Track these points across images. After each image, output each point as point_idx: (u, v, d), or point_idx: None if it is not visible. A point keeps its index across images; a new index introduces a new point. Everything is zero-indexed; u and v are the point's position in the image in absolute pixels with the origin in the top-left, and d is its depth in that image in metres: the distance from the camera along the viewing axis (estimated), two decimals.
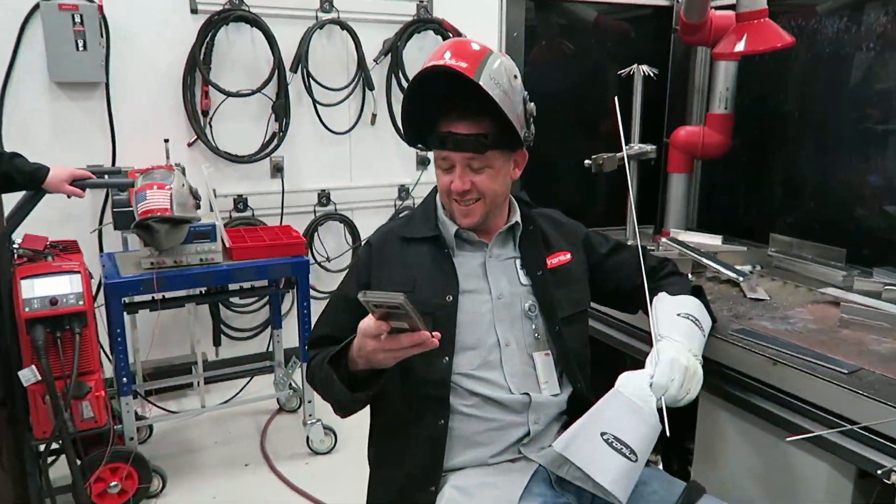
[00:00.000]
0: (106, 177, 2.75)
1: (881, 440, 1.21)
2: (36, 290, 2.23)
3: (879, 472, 1.18)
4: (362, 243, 1.57)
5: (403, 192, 4.04)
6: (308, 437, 2.95)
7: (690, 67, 2.59)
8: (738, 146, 2.36)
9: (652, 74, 2.18)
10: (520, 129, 1.37)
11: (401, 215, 1.63)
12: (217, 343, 3.65)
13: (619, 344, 1.86)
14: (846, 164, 2.16)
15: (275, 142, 3.60)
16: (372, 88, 3.79)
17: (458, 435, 1.39)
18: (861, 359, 1.39)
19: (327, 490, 2.69)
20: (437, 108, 1.39)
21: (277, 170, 3.67)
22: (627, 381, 1.30)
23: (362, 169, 3.93)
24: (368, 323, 1.19)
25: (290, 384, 3.21)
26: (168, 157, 3.08)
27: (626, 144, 2.15)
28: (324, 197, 3.82)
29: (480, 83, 1.30)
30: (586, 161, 2.15)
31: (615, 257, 1.63)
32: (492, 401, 1.39)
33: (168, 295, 2.74)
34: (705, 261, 2.00)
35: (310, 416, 2.93)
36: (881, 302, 1.65)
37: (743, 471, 1.55)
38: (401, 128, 1.48)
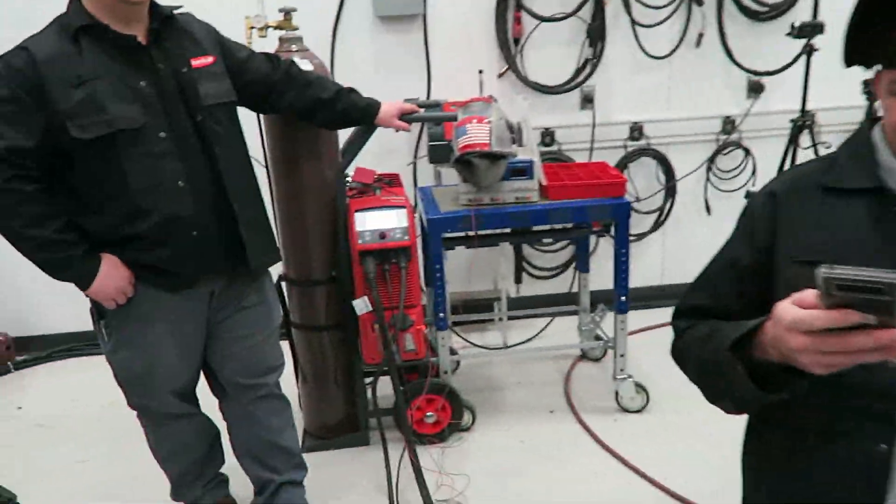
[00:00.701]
0: (424, 111, 2.74)
1: None
2: (367, 223, 2.30)
3: None
4: (758, 193, 1.21)
5: (728, 124, 3.50)
6: (617, 393, 2.73)
7: None
8: None
9: None
10: None
11: (814, 159, 1.21)
12: (518, 280, 3.59)
13: None
14: None
15: (587, 69, 3.32)
16: (700, 3, 3.28)
17: None
18: None
19: (638, 453, 2.46)
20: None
21: (588, 100, 3.39)
22: None
23: (681, 98, 3.47)
24: (804, 310, 0.81)
25: (597, 333, 3.02)
26: (481, 90, 2.98)
27: None
28: (636, 130, 3.46)
29: None
30: None
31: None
32: None
33: (482, 232, 2.67)
34: None
35: (621, 370, 2.70)
36: None
37: None
38: (846, 39, 1.05)
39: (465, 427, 2.64)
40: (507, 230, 2.68)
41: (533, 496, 2.31)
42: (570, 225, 2.81)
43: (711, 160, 3.56)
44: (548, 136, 3.43)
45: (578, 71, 3.34)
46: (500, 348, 3.14)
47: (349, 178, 2.51)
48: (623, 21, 3.29)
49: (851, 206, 1.07)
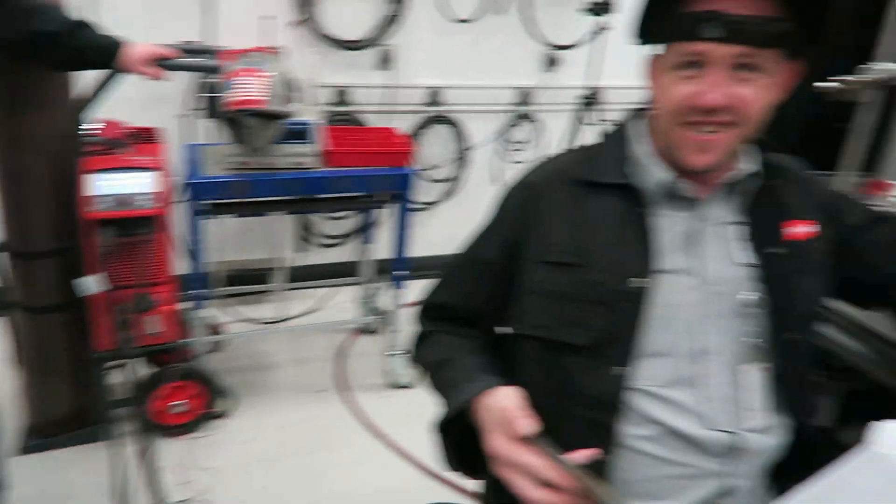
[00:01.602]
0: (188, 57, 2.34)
1: None
2: (105, 187, 1.91)
3: None
4: (514, 184, 1.11)
5: (523, 96, 3.49)
6: (387, 370, 2.65)
7: None
8: None
9: None
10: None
11: (572, 149, 1.14)
12: (301, 249, 3.34)
13: (843, 350, 1.39)
14: None
15: (389, 27, 3.09)
16: None
17: (626, 479, 0.97)
18: None
19: (406, 431, 2.41)
20: None
21: (385, 60, 3.18)
22: (893, 439, 0.84)
23: (482, 66, 3.38)
24: (541, 466, 0.82)
25: (375, 306, 2.90)
26: (270, 39, 2.64)
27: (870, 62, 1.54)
28: (434, 96, 3.32)
29: None
30: (821, 84, 1.53)
31: (875, 233, 1.10)
32: (679, 436, 0.95)
33: (252, 199, 2.38)
34: None
35: (392, 346, 2.61)
36: None
37: None
38: (638, 14, 0.97)
39: (222, 414, 2.40)
40: (282, 198, 2.42)
41: (284, 487, 2.15)
42: (353, 194, 2.61)
43: (505, 131, 3.55)
44: (342, 96, 3.17)
45: (379, 28, 3.11)
46: (272, 322, 2.91)
47: (95, 132, 2.09)
48: None
49: (603, 201, 1.02)
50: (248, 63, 2.15)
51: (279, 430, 2.40)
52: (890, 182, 1.79)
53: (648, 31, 0.97)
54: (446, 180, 3.53)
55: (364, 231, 2.97)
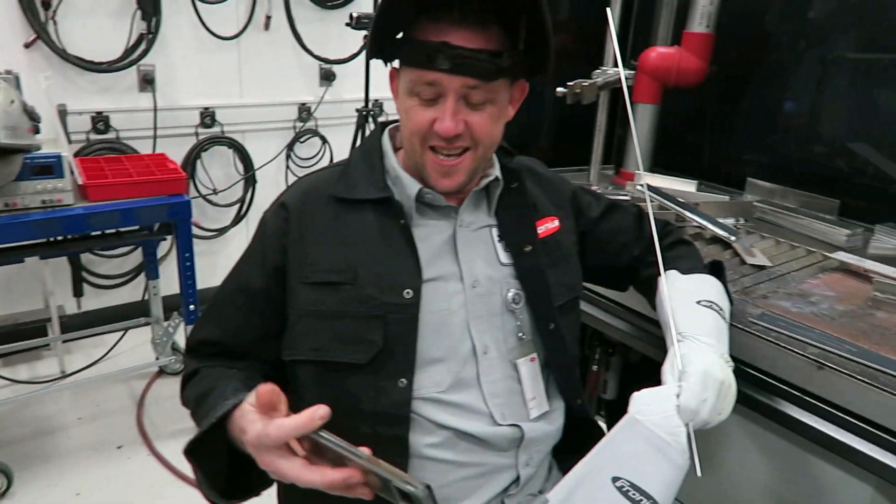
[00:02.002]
0: None
1: None
2: None
3: None
4: (270, 207, 1.07)
5: (304, 112, 3.45)
6: None
7: None
8: (714, 74, 2.00)
9: None
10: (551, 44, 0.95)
11: (328, 166, 1.14)
12: (78, 293, 3.01)
13: (588, 318, 1.51)
14: (840, 100, 1.85)
15: (143, 46, 2.90)
16: None
17: None
18: None
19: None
20: (413, 4, 0.93)
21: (147, 81, 2.98)
22: (646, 405, 0.93)
23: (254, 83, 3.29)
24: (278, 435, 0.76)
25: (172, 344, 2.69)
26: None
27: (598, 67, 1.74)
28: (207, 117, 3.17)
29: None
30: (559, 89, 1.71)
31: (608, 222, 1.24)
32: (468, 437, 0.98)
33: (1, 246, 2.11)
34: (688, 214, 1.65)
35: None
36: None
37: (755, 489, 1.26)
38: (370, 33, 0.98)
39: None
40: (35, 242, 2.15)
41: None
42: (126, 229, 2.41)
43: (290, 147, 3.48)
44: (101, 122, 2.91)
45: (133, 47, 2.90)
46: (52, 380, 2.60)
47: None
48: None
49: (363, 216, 1.02)
50: None
51: (74, 498, 2.13)
52: (632, 172, 2.01)
53: (385, 51, 0.99)
54: (234, 204, 3.38)
55: (147, 267, 2.75)
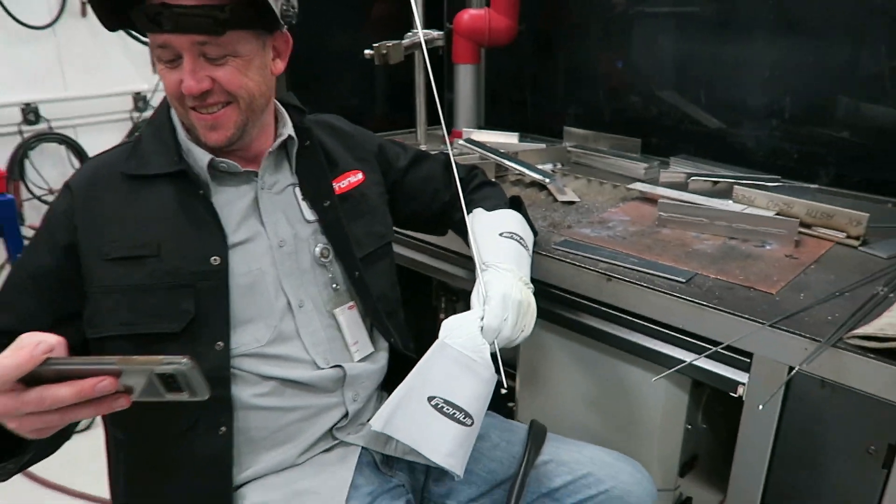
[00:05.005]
0: None
1: (725, 351, 1.09)
2: None
3: (722, 384, 1.07)
4: (57, 192, 1.06)
5: (140, 101, 3.32)
6: None
7: None
8: (525, 32, 2.15)
9: None
10: None
11: (116, 145, 1.12)
12: None
13: (428, 269, 1.60)
14: (637, 50, 2.04)
15: None
16: None
17: (252, 438, 1.03)
18: (691, 262, 1.27)
19: (88, 475, 2.18)
20: None
21: None
22: (454, 329, 1.03)
23: (79, 74, 3.11)
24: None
25: None
26: None
27: (412, 30, 1.82)
28: (30, 112, 2.98)
29: None
30: (367, 51, 1.78)
31: (417, 171, 1.33)
32: (294, 383, 1.04)
33: None
34: (508, 163, 1.78)
35: None
36: (693, 195, 1.56)
37: (572, 394, 1.41)
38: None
39: None
40: None
41: None
42: None
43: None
44: None
45: None
46: None
47: None
48: None
49: (158, 190, 1.02)
50: None
51: None
52: (461, 130, 2.12)
53: (116, 19, 0.97)
54: None
55: None
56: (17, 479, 2.14)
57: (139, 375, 0.69)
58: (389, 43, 1.75)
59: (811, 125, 1.74)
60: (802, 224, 1.39)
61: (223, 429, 0.98)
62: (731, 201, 1.52)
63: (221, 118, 0.99)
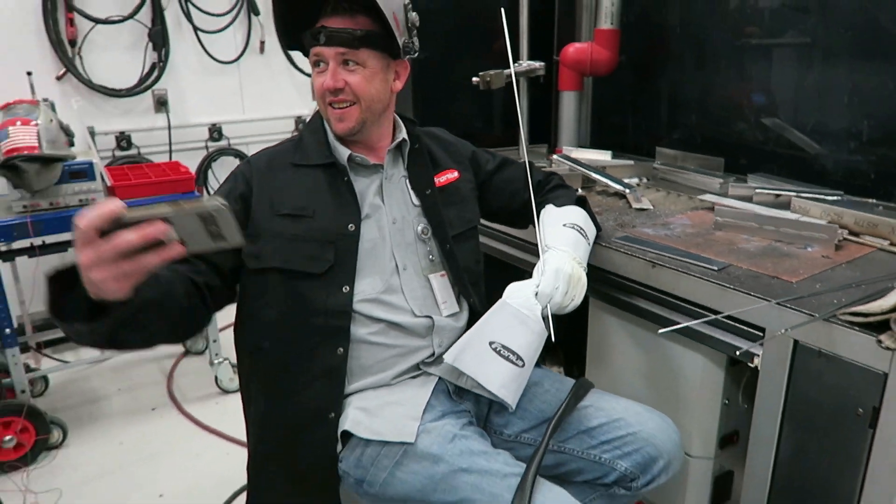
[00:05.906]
0: None
1: (745, 327, 1.30)
2: None
3: (738, 353, 1.27)
4: (241, 163, 1.46)
5: (301, 123, 3.90)
6: (216, 377, 2.90)
7: None
8: (626, 63, 2.41)
9: None
10: (398, 32, 1.33)
11: (282, 142, 1.51)
12: None
13: (512, 258, 1.91)
14: (725, 78, 2.24)
15: (155, 73, 3.38)
16: (257, 13, 3.59)
17: (362, 364, 1.37)
18: (731, 256, 1.47)
19: (240, 428, 2.66)
20: (313, 6, 1.33)
21: (161, 103, 3.46)
22: (514, 292, 1.33)
23: (255, 100, 3.76)
24: (85, 222, 0.85)
25: None
26: (33, 92, 2.82)
27: (515, 61, 2.15)
28: (215, 131, 3.64)
29: None
30: (474, 78, 2.13)
31: (503, 174, 1.64)
32: (396, 326, 1.38)
33: (49, 240, 2.56)
34: (594, 175, 2.05)
35: (216, 355, 2.87)
36: (751, 204, 1.75)
37: (629, 367, 1.65)
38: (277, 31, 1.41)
39: (54, 444, 2.52)
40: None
41: (132, 490, 2.35)
42: None
43: None
44: (124, 140, 3.39)
45: (147, 75, 3.38)
46: (91, 359, 3.04)
47: None
48: (185, 27, 3.43)
49: (315, 174, 1.40)
50: (13, 114, 2.37)
51: (117, 447, 2.57)
52: (562, 148, 2.42)
53: (292, 42, 1.39)
54: None
55: None
56: (183, 422, 2.69)
57: (187, 220, 0.83)
58: (492, 72, 2.10)
59: (887, 147, 1.85)
60: (851, 232, 1.54)
61: (340, 350, 1.34)
62: (787, 211, 1.69)
63: (348, 113, 1.35)
